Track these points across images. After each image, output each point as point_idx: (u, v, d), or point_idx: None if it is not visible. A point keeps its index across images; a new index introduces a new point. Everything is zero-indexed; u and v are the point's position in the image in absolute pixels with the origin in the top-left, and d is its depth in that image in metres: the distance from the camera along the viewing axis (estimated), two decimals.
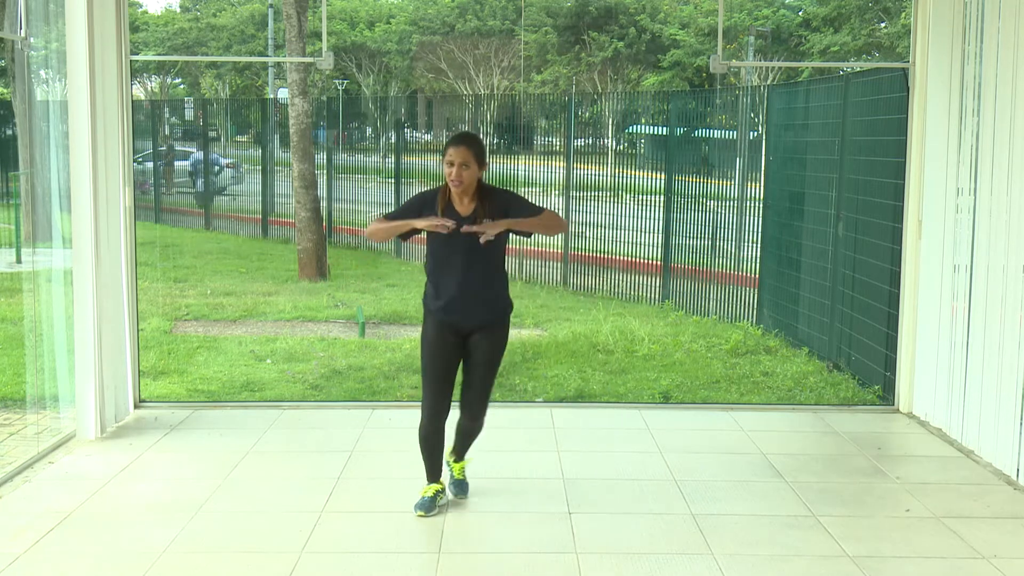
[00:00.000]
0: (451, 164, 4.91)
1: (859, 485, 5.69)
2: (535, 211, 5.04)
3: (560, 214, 5.30)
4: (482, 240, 4.89)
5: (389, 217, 5.14)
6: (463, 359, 5.14)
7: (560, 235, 13.35)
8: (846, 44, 27.72)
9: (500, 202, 5.02)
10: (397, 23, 35.63)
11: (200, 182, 21.25)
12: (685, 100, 15.18)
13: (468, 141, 4.98)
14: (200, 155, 21.66)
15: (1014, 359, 5.76)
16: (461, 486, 5.41)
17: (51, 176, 6.60)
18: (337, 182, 18.80)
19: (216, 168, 22.13)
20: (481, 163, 4.97)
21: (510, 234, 5.05)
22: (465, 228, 4.89)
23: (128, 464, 5.86)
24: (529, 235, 5.17)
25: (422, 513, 5.12)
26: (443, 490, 5.27)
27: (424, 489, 5.23)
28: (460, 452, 5.41)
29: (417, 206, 5.06)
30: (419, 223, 4.96)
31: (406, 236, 5.13)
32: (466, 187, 4.95)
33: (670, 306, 12.71)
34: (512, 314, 5.24)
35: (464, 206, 4.99)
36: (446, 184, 4.99)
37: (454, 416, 5.20)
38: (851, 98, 8.97)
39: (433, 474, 5.24)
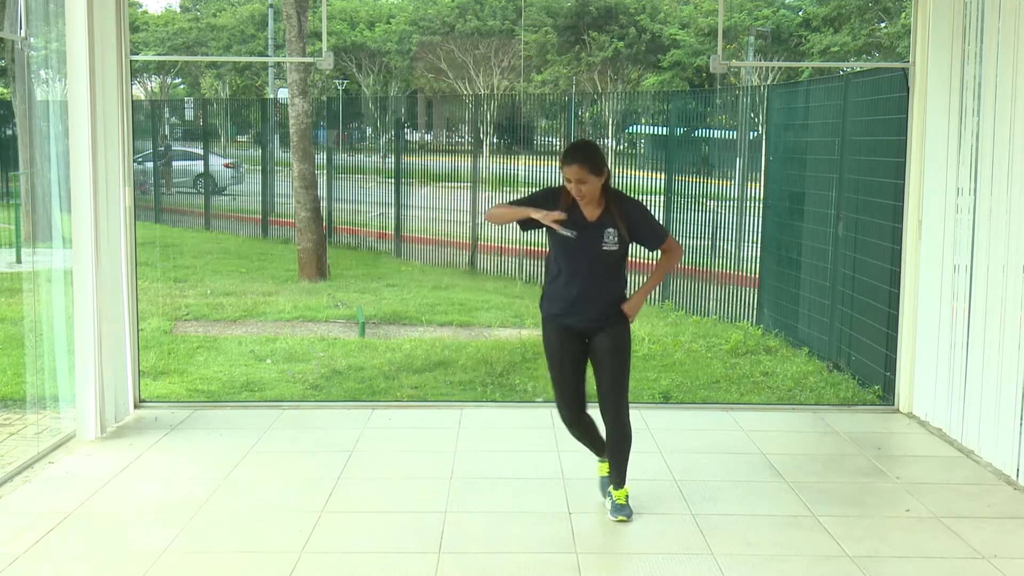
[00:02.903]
0: (569, 182, 4.86)
1: (859, 485, 5.68)
2: (659, 233, 5.05)
3: (678, 241, 5.29)
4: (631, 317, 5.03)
5: (513, 203, 5.05)
6: (591, 362, 5.13)
7: None
8: (846, 44, 27.70)
9: (626, 211, 4.96)
10: (397, 23, 35.60)
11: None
12: (685, 100, 15.18)
13: (580, 158, 4.82)
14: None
15: (1014, 359, 5.75)
16: (623, 510, 5.10)
17: (51, 176, 6.59)
18: (337, 182, 18.78)
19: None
20: (598, 172, 4.84)
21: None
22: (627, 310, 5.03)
23: (128, 464, 5.86)
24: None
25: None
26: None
27: (599, 467, 5.31)
28: (618, 476, 5.14)
29: (542, 199, 4.99)
30: (536, 214, 4.86)
31: (526, 227, 5.03)
32: (590, 198, 4.89)
33: (670, 306, 12.71)
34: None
35: (590, 211, 4.93)
36: None
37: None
38: (851, 98, 8.97)
39: (599, 449, 5.30)
